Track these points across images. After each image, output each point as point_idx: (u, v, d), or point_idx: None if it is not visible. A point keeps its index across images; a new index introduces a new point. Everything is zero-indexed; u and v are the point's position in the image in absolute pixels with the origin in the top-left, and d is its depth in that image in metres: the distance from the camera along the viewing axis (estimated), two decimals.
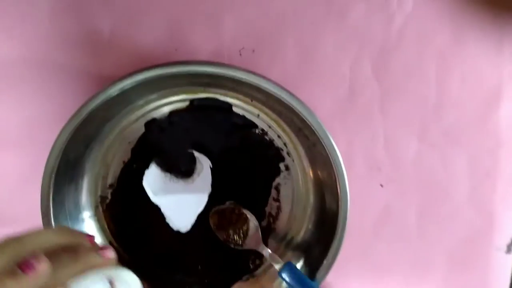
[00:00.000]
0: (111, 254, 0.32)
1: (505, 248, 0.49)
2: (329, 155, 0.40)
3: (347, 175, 0.40)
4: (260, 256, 0.47)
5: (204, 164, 0.45)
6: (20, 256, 0.25)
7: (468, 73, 0.48)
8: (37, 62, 0.45)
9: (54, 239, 0.29)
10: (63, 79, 0.46)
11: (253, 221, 0.45)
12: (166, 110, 0.45)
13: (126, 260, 0.46)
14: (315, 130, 0.39)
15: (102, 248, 0.31)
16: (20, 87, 0.46)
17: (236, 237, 0.45)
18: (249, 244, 0.45)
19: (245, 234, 0.45)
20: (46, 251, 0.27)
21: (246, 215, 0.45)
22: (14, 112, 0.46)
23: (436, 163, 0.49)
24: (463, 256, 0.50)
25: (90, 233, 0.45)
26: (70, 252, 0.28)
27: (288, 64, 0.47)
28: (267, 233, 0.47)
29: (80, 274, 0.28)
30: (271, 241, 0.48)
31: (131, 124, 0.45)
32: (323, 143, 0.39)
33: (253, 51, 0.47)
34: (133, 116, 0.45)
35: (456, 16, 0.47)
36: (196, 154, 0.45)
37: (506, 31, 0.47)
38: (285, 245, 0.48)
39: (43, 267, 0.25)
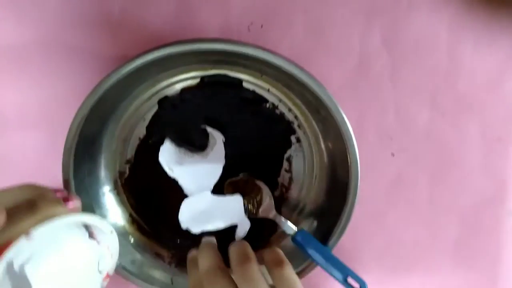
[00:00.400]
0: (74, 203, 0.34)
1: None
2: (339, 127, 0.40)
3: (358, 146, 0.40)
4: (274, 224, 0.47)
5: (217, 138, 0.45)
6: None
7: (480, 40, 0.47)
8: (49, 44, 0.46)
9: (18, 194, 0.31)
10: (76, 60, 0.46)
11: (266, 192, 0.46)
12: (177, 87, 0.45)
13: (147, 231, 0.48)
14: (325, 104, 0.39)
15: (65, 199, 0.33)
16: (35, 69, 0.46)
17: (250, 206, 0.46)
18: (263, 213, 0.46)
19: (259, 203, 0.46)
20: (9, 206, 0.29)
21: (259, 186, 0.46)
22: (30, 93, 0.47)
23: (448, 131, 0.49)
24: (474, 221, 0.50)
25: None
26: (30, 204, 0.30)
27: (297, 37, 0.47)
28: (280, 202, 0.48)
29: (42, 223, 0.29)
30: (284, 209, 0.48)
31: (145, 102, 0.45)
32: (333, 116, 0.39)
33: (262, 26, 0.46)
34: (146, 94, 0.45)
35: None
36: (209, 129, 0.46)
37: None
38: (298, 213, 0.49)
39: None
